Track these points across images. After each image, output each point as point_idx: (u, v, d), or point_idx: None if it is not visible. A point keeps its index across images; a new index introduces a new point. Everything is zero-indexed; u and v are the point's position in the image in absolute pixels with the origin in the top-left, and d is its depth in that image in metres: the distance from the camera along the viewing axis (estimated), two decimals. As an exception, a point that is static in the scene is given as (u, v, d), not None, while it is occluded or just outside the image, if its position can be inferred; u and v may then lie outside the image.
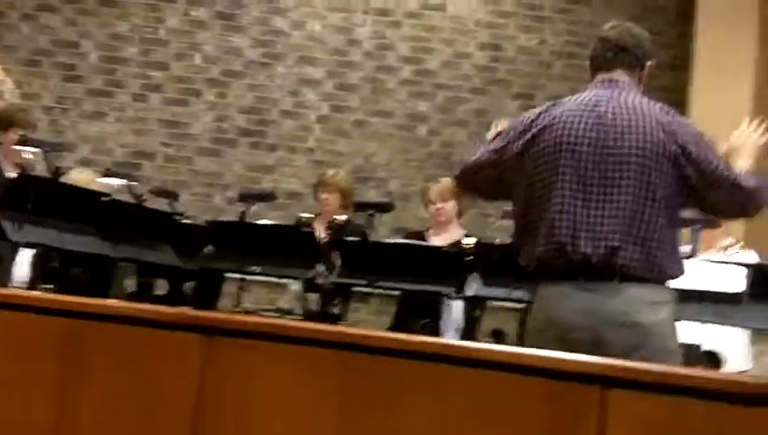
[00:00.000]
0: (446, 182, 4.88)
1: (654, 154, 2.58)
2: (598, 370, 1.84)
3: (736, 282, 3.18)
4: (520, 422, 1.90)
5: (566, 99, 2.80)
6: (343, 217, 4.82)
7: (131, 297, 4.10)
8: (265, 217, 5.11)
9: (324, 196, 5.07)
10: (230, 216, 6.39)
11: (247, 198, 4.40)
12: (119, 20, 7.03)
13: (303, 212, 5.18)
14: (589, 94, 2.76)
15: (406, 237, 4.80)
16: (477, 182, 2.94)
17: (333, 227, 4.62)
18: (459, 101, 7.00)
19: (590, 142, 2.63)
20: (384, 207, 4.06)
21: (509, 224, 4.24)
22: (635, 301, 2.55)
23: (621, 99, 2.69)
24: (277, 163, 6.91)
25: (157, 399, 2.27)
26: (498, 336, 3.75)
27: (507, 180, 2.82)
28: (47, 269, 3.87)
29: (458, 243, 4.64)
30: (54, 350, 2.35)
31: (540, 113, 2.78)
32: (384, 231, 5.04)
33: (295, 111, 6.97)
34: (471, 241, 4.44)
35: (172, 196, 4.65)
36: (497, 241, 3.77)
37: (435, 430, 1.95)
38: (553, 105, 2.79)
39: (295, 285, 4.73)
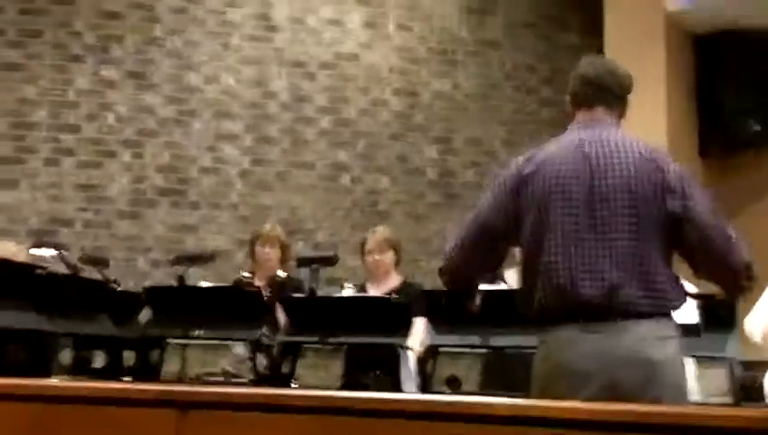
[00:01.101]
0: (383, 233, 4.87)
1: (641, 190, 2.61)
2: (608, 416, 1.82)
3: (688, 313, 3.22)
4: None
5: (548, 142, 2.80)
6: (284, 274, 4.73)
7: (69, 372, 3.93)
8: (192, 277, 4.98)
9: (266, 250, 4.96)
10: (155, 279, 6.26)
11: (184, 260, 4.28)
12: (25, 84, 6.83)
13: (232, 269, 5.08)
14: (571, 136, 2.77)
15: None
16: (473, 260, 2.85)
17: (275, 284, 4.54)
18: (380, 148, 7.02)
19: (579, 182, 2.65)
20: (328, 261, 4.01)
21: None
22: (643, 337, 2.54)
23: (604, 137, 2.71)
24: (200, 221, 6.78)
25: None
26: (453, 384, 3.72)
27: (506, 235, 2.79)
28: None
29: (398, 290, 4.62)
30: (22, 439, 2.24)
31: (525, 160, 2.78)
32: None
33: (215, 166, 6.87)
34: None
35: (102, 263, 4.50)
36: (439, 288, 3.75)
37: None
38: (537, 150, 2.79)
39: (239, 347, 4.62)
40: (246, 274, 4.75)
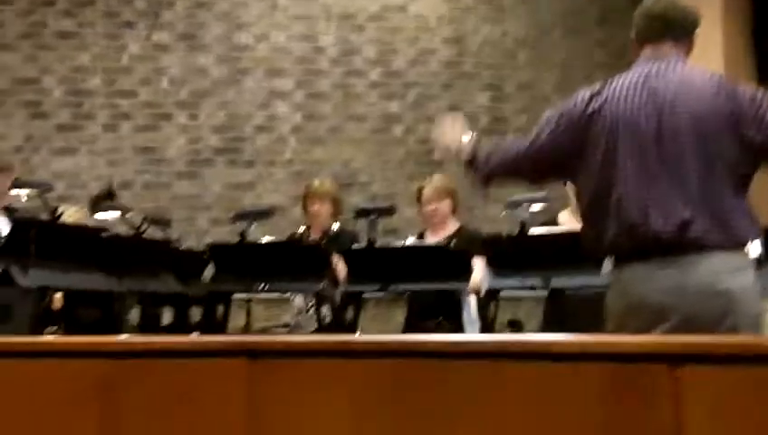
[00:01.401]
0: (439, 181, 4.87)
1: (710, 122, 2.56)
2: (665, 348, 1.83)
3: (752, 248, 3.19)
4: (585, 412, 1.87)
5: (614, 78, 2.76)
6: (336, 226, 4.79)
7: (138, 330, 4.05)
8: (252, 234, 5.05)
9: (316, 206, 5.01)
10: (215, 237, 6.36)
11: (244, 217, 4.36)
12: (79, 51, 6.94)
13: (289, 225, 5.15)
14: (638, 70, 2.73)
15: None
16: (516, 172, 2.90)
17: (329, 237, 4.60)
18: (430, 98, 7.01)
19: (647, 118, 2.62)
20: (386, 211, 4.05)
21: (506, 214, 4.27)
22: (717, 269, 2.51)
23: (670, 71, 2.67)
24: (257, 179, 6.87)
25: (204, 430, 2.23)
26: (515, 326, 3.76)
27: (561, 166, 2.79)
28: (47, 312, 3.81)
29: (455, 236, 4.62)
30: (93, 394, 2.30)
31: (591, 95, 2.73)
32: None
33: (268, 124, 6.93)
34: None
35: (165, 223, 4.61)
36: (503, 233, 3.77)
37: (496, 431, 1.93)
38: (603, 86, 2.75)
39: (298, 299, 4.71)
40: (301, 228, 4.83)
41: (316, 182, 5.19)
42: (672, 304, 2.52)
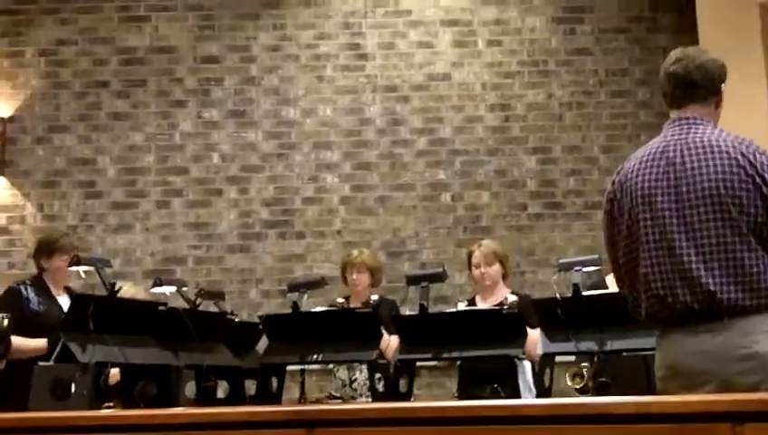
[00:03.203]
0: (490, 245, 4.88)
1: (731, 189, 2.58)
2: (727, 407, 1.82)
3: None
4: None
5: (637, 151, 2.83)
6: (376, 297, 4.82)
7: (194, 403, 4.06)
8: (304, 305, 5.08)
9: (355, 276, 5.09)
10: (268, 309, 6.41)
11: (297, 287, 4.39)
12: (132, 131, 7.13)
13: (339, 295, 5.17)
14: (657, 141, 2.78)
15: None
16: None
17: (369, 307, 4.61)
18: (477, 164, 7.04)
19: (663, 192, 2.65)
20: (437, 277, 4.05)
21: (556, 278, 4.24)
22: (749, 331, 2.53)
23: (690, 138, 2.69)
24: (307, 250, 6.93)
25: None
26: (576, 378, 3.70)
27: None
28: (103, 388, 3.83)
29: (501, 303, 4.60)
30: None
31: (617, 172, 2.83)
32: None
33: (318, 196, 7.01)
34: (513, 298, 4.44)
35: (219, 296, 4.66)
36: (557, 295, 3.74)
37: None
38: (626, 162, 2.83)
39: (342, 372, 4.74)
40: (340, 299, 4.87)
41: (354, 252, 5.26)
42: (707, 368, 2.54)
